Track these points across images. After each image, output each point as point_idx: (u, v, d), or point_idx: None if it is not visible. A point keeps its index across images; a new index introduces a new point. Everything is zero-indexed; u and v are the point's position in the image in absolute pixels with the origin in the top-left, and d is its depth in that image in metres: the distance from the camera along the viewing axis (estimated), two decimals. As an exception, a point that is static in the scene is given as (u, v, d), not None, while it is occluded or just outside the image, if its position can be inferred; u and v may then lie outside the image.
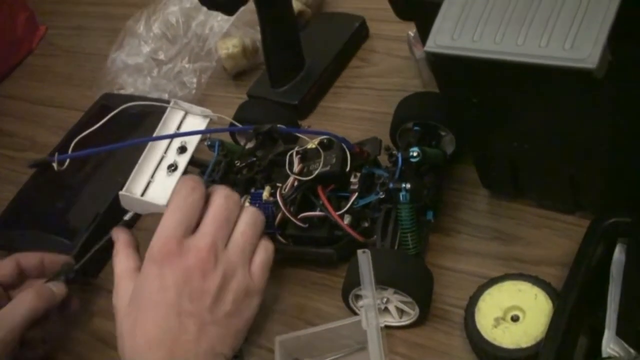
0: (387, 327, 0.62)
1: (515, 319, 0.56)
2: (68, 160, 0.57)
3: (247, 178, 0.70)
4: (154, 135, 0.68)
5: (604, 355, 0.50)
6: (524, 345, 0.54)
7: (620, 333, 0.49)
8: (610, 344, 0.50)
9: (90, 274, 0.79)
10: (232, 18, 0.91)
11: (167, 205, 0.61)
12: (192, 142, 0.69)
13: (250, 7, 0.80)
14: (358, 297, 0.62)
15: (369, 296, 0.56)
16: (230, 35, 0.92)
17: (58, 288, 0.68)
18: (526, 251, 0.63)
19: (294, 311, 0.68)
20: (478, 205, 0.68)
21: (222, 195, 0.61)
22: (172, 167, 0.67)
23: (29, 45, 1.19)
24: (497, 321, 0.56)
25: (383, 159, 0.67)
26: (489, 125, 0.58)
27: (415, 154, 0.62)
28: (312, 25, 0.91)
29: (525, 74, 0.44)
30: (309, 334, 0.62)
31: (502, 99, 0.52)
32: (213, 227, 0.59)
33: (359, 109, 0.84)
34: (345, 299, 0.62)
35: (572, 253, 0.56)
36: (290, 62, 0.85)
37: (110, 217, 0.74)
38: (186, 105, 0.70)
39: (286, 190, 0.65)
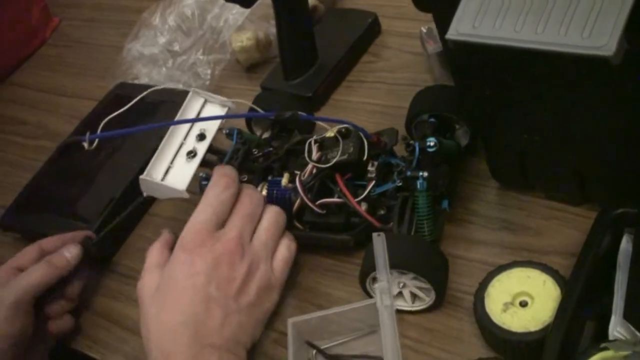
0: (398, 311, 0.64)
1: (523, 304, 0.58)
2: (97, 141, 0.59)
3: (264, 166, 0.72)
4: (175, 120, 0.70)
5: (611, 338, 0.52)
6: (532, 329, 0.55)
7: (627, 317, 0.51)
8: (617, 327, 0.52)
9: (108, 252, 0.80)
10: (247, 11, 0.93)
11: (201, 196, 0.65)
12: (211, 129, 0.71)
13: (265, 0, 0.81)
14: (375, 280, 0.63)
15: (383, 278, 0.57)
16: (245, 28, 0.93)
17: (71, 253, 0.70)
18: (535, 241, 0.65)
19: (306, 296, 0.69)
20: (488, 197, 0.70)
21: (248, 194, 0.66)
22: (192, 154, 0.69)
23: (42, 36, 1.21)
24: (506, 306, 0.58)
25: (399, 149, 0.69)
26: (501, 118, 0.60)
27: (432, 143, 0.64)
28: (326, 21, 0.93)
29: (542, 62, 0.45)
30: (320, 317, 0.63)
31: (515, 90, 0.54)
32: (241, 221, 0.64)
33: (370, 102, 0.85)
34: (362, 283, 0.64)
35: (579, 243, 0.58)
36: (304, 55, 0.87)
37: (126, 201, 0.75)
38: (206, 93, 0.71)
39: (305, 177, 0.67)
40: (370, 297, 0.64)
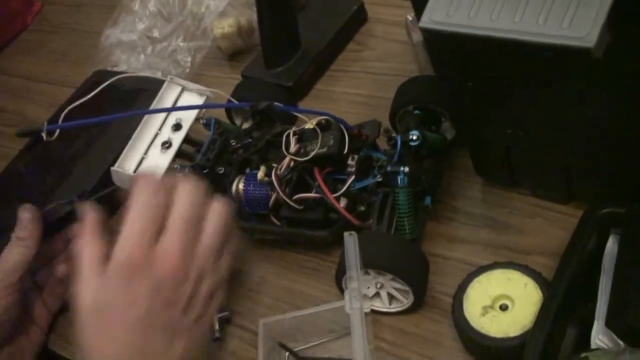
0: (374, 312, 0.61)
1: (504, 308, 0.55)
2: (58, 132, 0.56)
3: (242, 158, 0.69)
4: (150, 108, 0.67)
5: (593, 346, 0.49)
6: (511, 334, 0.53)
7: (610, 325, 0.48)
8: (599, 335, 0.49)
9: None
10: (229, -3, 0.90)
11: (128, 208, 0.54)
12: (188, 119, 0.68)
13: (247, -14, 0.79)
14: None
15: (354, 279, 0.54)
16: (227, 14, 0.91)
17: (24, 216, 0.68)
18: (518, 240, 0.62)
19: (281, 294, 0.66)
20: (471, 193, 0.67)
21: (187, 193, 0.54)
22: (167, 145, 0.67)
23: (23, 21, 1.18)
24: (485, 309, 0.55)
25: (382, 142, 0.66)
26: (484, 111, 0.57)
27: (415, 137, 0.61)
28: (310, 7, 0.89)
29: (521, 54, 0.43)
30: (293, 318, 0.61)
31: (497, 82, 0.51)
32: (181, 230, 0.53)
33: (354, 92, 0.83)
34: (338, 282, 0.61)
35: (564, 243, 0.55)
36: (286, 44, 0.84)
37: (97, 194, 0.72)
38: (183, 81, 0.69)
39: (282, 170, 0.64)
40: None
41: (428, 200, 0.64)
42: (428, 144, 0.63)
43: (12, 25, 1.16)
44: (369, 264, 0.57)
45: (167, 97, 0.69)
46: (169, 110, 0.69)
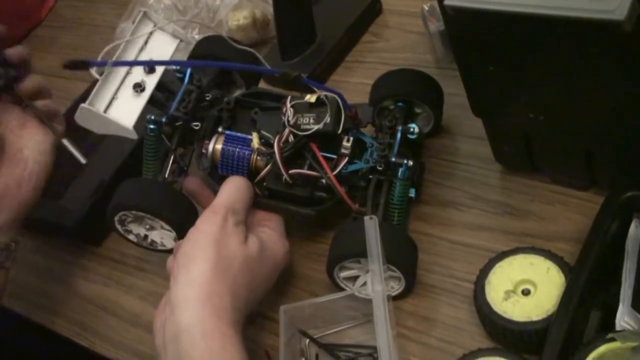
0: (395, 299, 0.61)
1: (526, 292, 0.55)
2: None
3: (216, 115, 0.67)
4: (123, 45, 0.64)
5: (618, 328, 0.49)
6: (534, 318, 0.53)
7: (636, 306, 0.48)
8: (624, 317, 0.49)
9: (91, 241, 0.78)
10: (244, -11, 0.90)
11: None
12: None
13: (263, -23, 0.78)
14: (343, 268, 0.60)
15: (375, 263, 0.54)
16: (242, 7, 0.90)
17: None
18: (539, 227, 0.62)
19: (298, 282, 0.66)
20: (490, 180, 0.67)
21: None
22: (139, 88, 0.63)
23: (37, 17, 1.18)
24: (508, 294, 0.55)
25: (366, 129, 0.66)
26: (505, 96, 0.57)
27: (415, 130, 0.61)
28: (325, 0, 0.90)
29: (548, 30, 0.42)
30: (314, 304, 0.61)
31: (520, 65, 0.51)
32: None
33: (369, 83, 0.80)
34: (329, 272, 0.61)
35: (585, 230, 0.55)
36: (302, 35, 0.84)
37: (116, 185, 0.72)
38: (158, 17, 0.66)
39: (282, 142, 0.62)
40: (339, 286, 0.62)
41: (412, 192, 0.63)
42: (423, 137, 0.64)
43: (27, 21, 1.16)
44: (364, 252, 0.57)
45: (139, 32, 0.65)
46: (183, 64, 0.67)
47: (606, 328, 0.50)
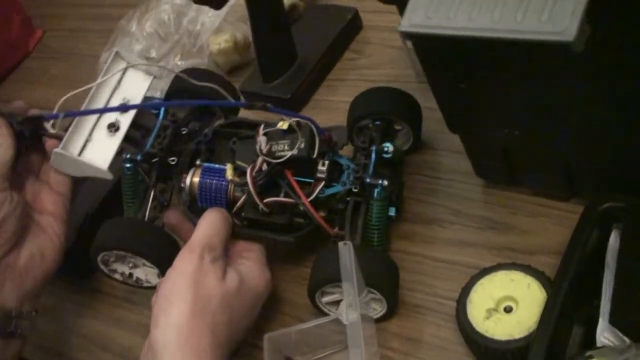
0: (378, 321, 0.61)
1: (508, 309, 0.55)
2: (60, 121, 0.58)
3: (193, 149, 0.67)
4: (95, 87, 0.64)
5: (598, 344, 0.48)
6: (516, 336, 0.52)
7: (614, 322, 0.47)
8: (604, 333, 0.48)
9: (79, 273, 0.77)
10: (224, 13, 0.90)
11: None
12: (136, 99, 0.65)
13: (242, 1, 0.78)
14: (325, 294, 0.60)
15: (350, 291, 0.54)
16: (222, 30, 0.90)
17: None
18: (521, 240, 0.61)
19: (285, 308, 0.66)
20: (472, 195, 0.66)
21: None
22: (114, 128, 0.63)
23: (25, 49, 1.18)
24: (490, 312, 0.54)
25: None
26: (478, 112, 0.57)
27: (389, 149, 0.61)
28: (305, 18, 0.90)
29: (504, 52, 0.42)
30: (299, 331, 0.60)
31: (487, 82, 0.51)
32: None
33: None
34: (311, 297, 0.61)
35: (567, 242, 0.54)
36: (282, 56, 0.84)
37: (101, 217, 0.72)
38: (130, 56, 0.67)
39: (255, 171, 0.62)
40: (321, 311, 0.62)
41: (392, 211, 0.63)
42: (398, 156, 0.64)
43: (14, 54, 1.17)
44: (345, 276, 0.56)
45: (111, 71, 0.65)
46: (161, 105, 0.67)
47: (590, 343, 0.50)
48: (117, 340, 0.71)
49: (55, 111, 0.62)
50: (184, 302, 0.55)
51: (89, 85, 0.64)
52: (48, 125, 0.62)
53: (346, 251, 0.54)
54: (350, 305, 0.53)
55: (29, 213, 0.66)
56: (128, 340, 0.71)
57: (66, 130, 0.64)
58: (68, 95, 0.63)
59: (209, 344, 0.54)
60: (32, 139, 0.67)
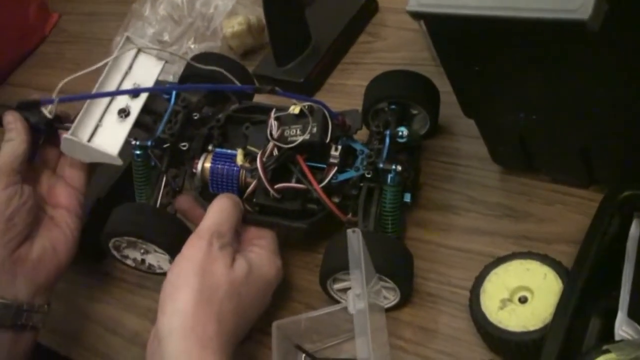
0: (389, 310, 0.59)
1: (523, 300, 0.53)
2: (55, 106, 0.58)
3: (206, 134, 0.66)
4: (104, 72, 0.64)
5: (617, 338, 0.46)
6: (530, 327, 0.51)
7: (633, 314, 0.45)
8: (622, 326, 0.46)
9: (91, 257, 0.77)
10: (237, -5, 0.88)
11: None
12: (147, 84, 0.64)
13: (255, -17, 0.77)
14: (337, 280, 0.59)
15: (358, 280, 0.52)
16: (236, 13, 0.89)
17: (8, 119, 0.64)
18: (538, 228, 0.60)
19: (296, 295, 0.65)
20: (488, 182, 0.65)
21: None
22: (124, 113, 0.63)
23: (41, 33, 1.18)
24: (504, 303, 0.53)
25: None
26: (493, 96, 0.55)
27: (404, 133, 0.59)
28: (319, 1, 0.88)
29: (518, 32, 0.40)
30: (309, 318, 0.59)
31: (502, 64, 0.49)
32: None
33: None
34: (322, 284, 0.59)
35: (586, 230, 0.53)
36: (296, 39, 0.82)
37: (111, 202, 0.71)
38: (141, 41, 0.66)
39: (265, 157, 0.60)
40: (333, 298, 0.61)
41: (408, 197, 0.61)
42: (413, 140, 0.62)
43: (31, 38, 1.17)
44: (357, 264, 0.55)
45: (122, 59, 0.65)
46: (167, 90, 0.66)
47: (608, 336, 0.48)
48: (128, 325, 0.71)
49: (54, 95, 0.60)
50: (190, 289, 0.54)
51: (85, 70, 0.63)
52: (45, 110, 0.61)
53: (355, 239, 0.52)
54: (358, 294, 0.51)
55: (42, 206, 0.66)
56: (138, 325, 0.71)
57: (76, 116, 0.63)
58: (67, 79, 0.62)
59: (215, 332, 0.53)
60: (48, 133, 0.67)
